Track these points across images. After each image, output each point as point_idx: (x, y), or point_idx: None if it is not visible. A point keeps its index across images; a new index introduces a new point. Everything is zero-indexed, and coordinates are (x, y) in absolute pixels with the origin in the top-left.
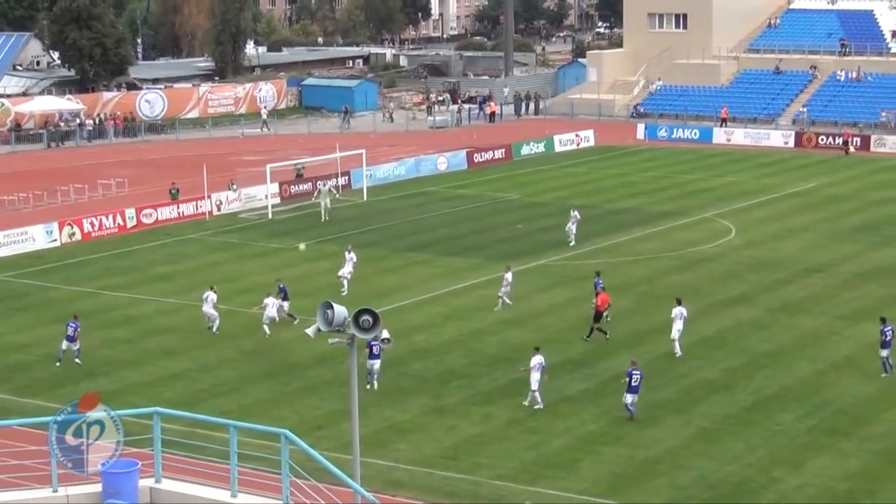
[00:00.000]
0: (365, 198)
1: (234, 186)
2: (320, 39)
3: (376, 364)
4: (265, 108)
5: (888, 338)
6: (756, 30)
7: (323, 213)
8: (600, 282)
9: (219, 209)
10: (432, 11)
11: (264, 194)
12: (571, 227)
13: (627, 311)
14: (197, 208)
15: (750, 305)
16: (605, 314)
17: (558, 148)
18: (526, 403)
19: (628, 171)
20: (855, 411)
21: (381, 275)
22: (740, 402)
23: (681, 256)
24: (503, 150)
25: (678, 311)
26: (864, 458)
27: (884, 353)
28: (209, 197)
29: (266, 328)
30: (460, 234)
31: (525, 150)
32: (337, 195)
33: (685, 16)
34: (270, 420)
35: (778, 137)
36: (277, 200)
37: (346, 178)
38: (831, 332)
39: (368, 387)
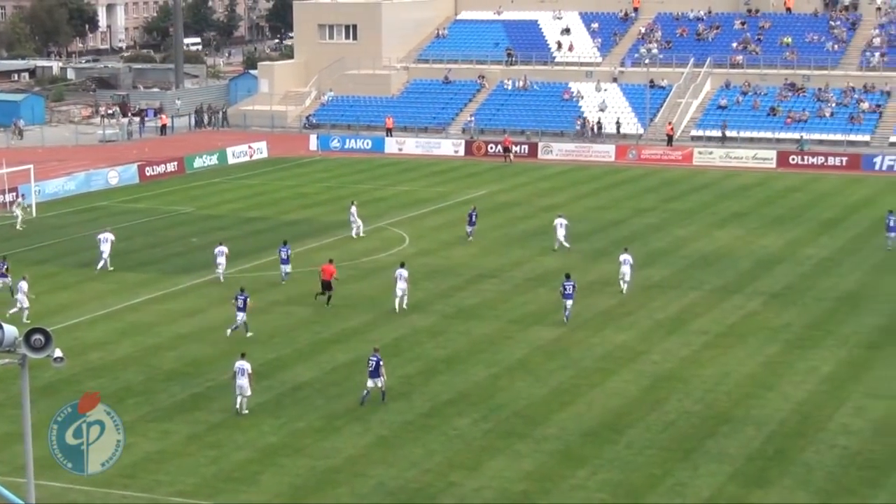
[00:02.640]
0: (34, 214)
1: None
2: None
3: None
4: (20, 118)
5: (567, 291)
6: (425, 40)
7: (18, 223)
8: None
9: None
10: (100, 23)
11: None
12: (354, 219)
13: (306, 321)
14: None
15: (425, 312)
16: (330, 283)
17: (231, 160)
18: (245, 411)
19: (302, 182)
20: (528, 413)
21: (54, 292)
22: (417, 409)
23: (356, 266)
24: (175, 164)
25: (399, 273)
26: (538, 459)
27: (566, 302)
28: None
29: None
30: (134, 249)
31: (198, 163)
32: (25, 206)
33: (355, 27)
34: None
35: (448, 146)
36: None
37: (15, 194)
38: (504, 336)
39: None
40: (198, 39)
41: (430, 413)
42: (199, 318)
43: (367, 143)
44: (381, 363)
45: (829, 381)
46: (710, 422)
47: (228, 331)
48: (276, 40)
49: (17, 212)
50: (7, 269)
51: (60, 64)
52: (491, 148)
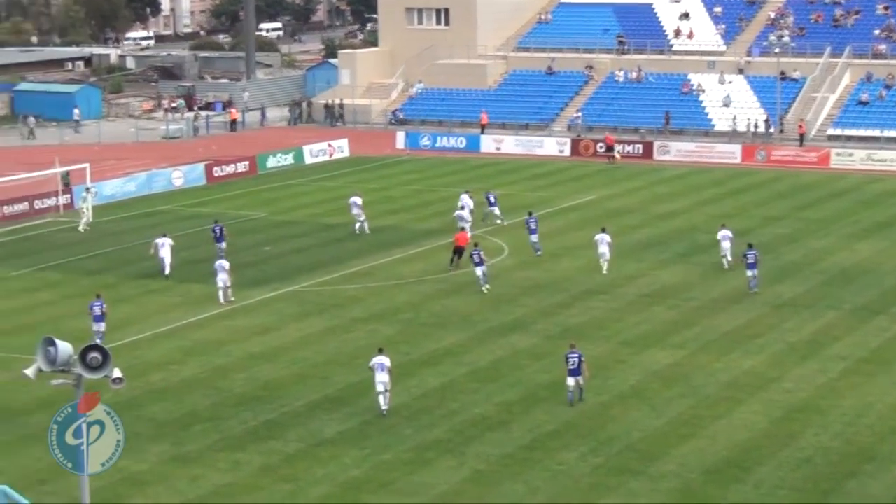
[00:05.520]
0: (90, 218)
1: None
2: (34, 39)
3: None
4: (77, 108)
5: (750, 260)
6: (525, 26)
7: (82, 223)
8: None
9: None
10: (162, 6)
11: None
12: (463, 214)
13: (393, 340)
14: None
15: (526, 332)
16: (464, 249)
17: (309, 159)
18: (385, 407)
19: (387, 184)
20: (643, 447)
21: (111, 305)
22: (518, 440)
23: (448, 279)
24: (247, 163)
25: (601, 238)
26: (655, 499)
27: (749, 272)
28: None
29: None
30: (200, 259)
31: (271, 163)
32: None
33: (447, 10)
34: None
35: (552, 145)
36: None
37: (68, 196)
38: (616, 360)
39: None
40: (278, 25)
41: (533, 445)
42: (272, 336)
43: (461, 142)
44: (583, 359)
45: None
46: (851, 459)
47: (484, 289)
48: (357, 26)
49: (84, 207)
50: (223, 234)
51: (119, 52)
52: (600, 147)
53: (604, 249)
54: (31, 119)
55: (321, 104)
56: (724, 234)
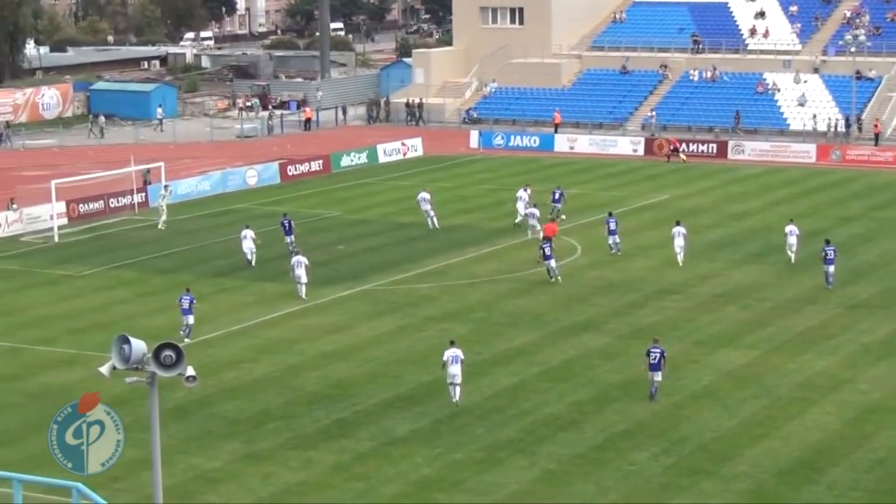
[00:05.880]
0: (166, 216)
1: (15, 206)
2: (111, 38)
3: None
4: (161, 107)
5: (829, 256)
6: (600, 25)
7: (161, 222)
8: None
9: None
10: (238, 6)
11: (49, 214)
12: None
13: (464, 340)
14: None
15: (598, 332)
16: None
17: (382, 159)
18: (457, 399)
19: (461, 183)
20: (716, 447)
21: None
22: (590, 440)
23: (521, 278)
24: (320, 162)
25: (677, 230)
26: (727, 499)
27: (828, 268)
28: None
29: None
30: (274, 257)
31: (345, 162)
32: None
33: (521, 10)
34: (60, 472)
35: (626, 144)
36: (65, 221)
37: (143, 194)
38: (688, 360)
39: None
40: (339, 25)
41: (604, 445)
42: (344, 334)
43: (535, 141)
44: (665, 356)
45: None
46: None
47: (560, 279)
48: (417, 29)
49: (163, 205)
50: (292, 227)
51: (194, 51)
52: (672, 148)
53: (680, 242)
54: (102, 118)
55: (398, 103)
56: (790, 228)
